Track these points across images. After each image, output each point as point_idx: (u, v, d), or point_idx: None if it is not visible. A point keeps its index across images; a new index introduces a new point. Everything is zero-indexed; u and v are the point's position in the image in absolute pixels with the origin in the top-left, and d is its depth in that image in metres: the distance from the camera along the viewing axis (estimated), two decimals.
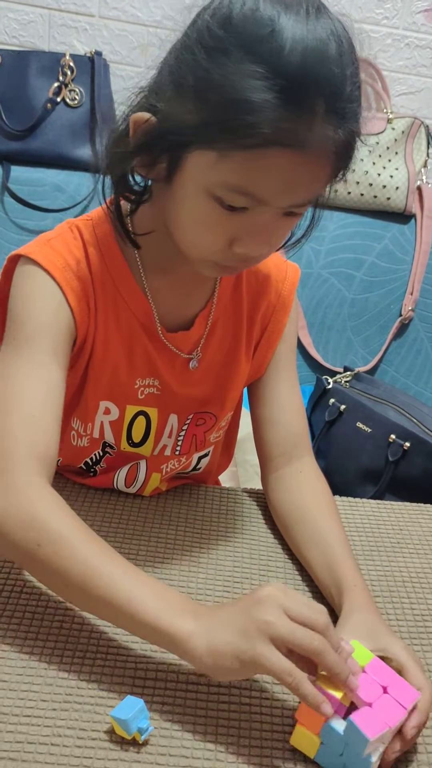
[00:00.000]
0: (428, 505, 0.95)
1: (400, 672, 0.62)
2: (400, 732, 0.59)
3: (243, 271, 0.83)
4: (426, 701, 0.60)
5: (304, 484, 0.85)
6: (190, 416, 0.85)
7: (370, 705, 0.57)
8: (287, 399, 0.88)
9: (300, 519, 0.81)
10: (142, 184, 0.74)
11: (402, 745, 0.59)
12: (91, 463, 0.87)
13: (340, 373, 1.65)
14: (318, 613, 0.58)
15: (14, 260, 0.75)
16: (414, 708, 0.59)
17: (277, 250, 0.78)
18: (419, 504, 0.95)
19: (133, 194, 0.73)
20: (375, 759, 0.57)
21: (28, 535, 0.62)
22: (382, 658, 0.62)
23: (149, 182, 0.73)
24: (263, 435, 0.88)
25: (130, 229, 0.75)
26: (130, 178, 0.72)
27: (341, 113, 0.59)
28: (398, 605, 0.77)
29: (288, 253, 1.73)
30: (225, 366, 0.84)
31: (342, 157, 0.63)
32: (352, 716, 0.56)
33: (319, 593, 0.77)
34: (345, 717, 0.57)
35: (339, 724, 0.57)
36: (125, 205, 0.75)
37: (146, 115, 0.64)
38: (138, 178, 0.72)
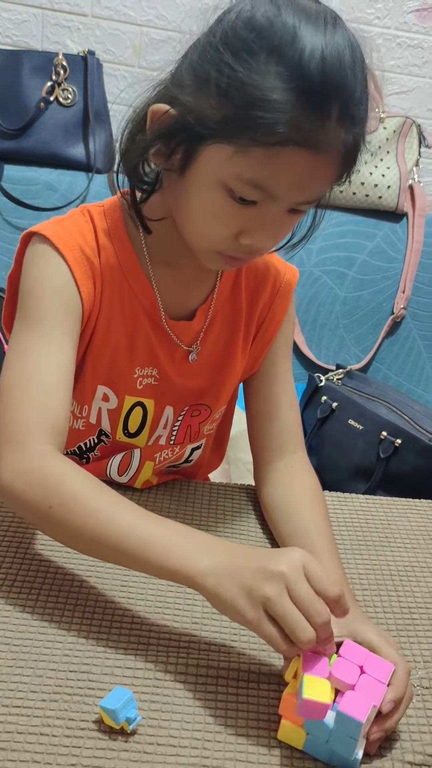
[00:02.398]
0: (416, 500, 0.96)
1: (374, 653, 0.63)
2: (379, 711, 0.60)
3: (243, 270, 0.86)
4: (399, 677, 0.61)
5: (294, 480, 0.86)
6: (186, 408, 0.86)
7: (353, 687, 0.58)
8: (282, 394, 0.89)
9: (287, 513, 0.82)
10: (152, 174, 0.76)
11: (381, 721, 0.60)
12: (85, 449, 0.88)
13: (333, 370, 1.66)
14: (321, 607, 0.58)
15: (26, 240, 0.77)
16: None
17: (278, 249, 0.82)
18: (408, 499, 0.96)
19: (145, 183, 0.76)
20: (360, 739, 0.58)
21: (42, 496, 0.65)
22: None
23: (160, 172, 0.75)
24: (257, 429, 0.89)
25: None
26: (142, 168, 0.74)
27: (352, 118, 0.63)
28: (385, 598, 0.78)
29: (284, 253, 1.74)
30: (221, 360, 0.86)
31: (348, 159, 0.67)
32: (339, 706, 0.57)
33: None
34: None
35: (327, 716, 0.58)
36: (137, 195, 0.78)
37: (165, 106, 0.67)
38: (148, 168, 0.76)
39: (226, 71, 0.62)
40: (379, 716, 0.60)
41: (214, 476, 1.08)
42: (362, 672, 0.60)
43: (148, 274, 0.80)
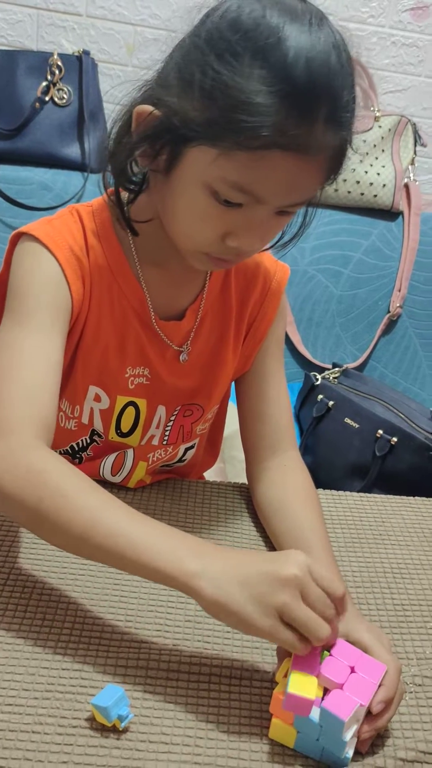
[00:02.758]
0: (410, 497, 0.96)
1: (366, 652, 0.63)
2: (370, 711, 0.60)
3: (232, 269, 0.85)
4: (390, 677, 0.61)
5: (287, 478, 0.86)
6: (178, 407, 0.86)
7: (341, 686, 0.58)
8: (274, 393, 0.89)
9: (281, 512, 0.82)
10: (140, 175, 0.76)
11: (372, 720, 0.60)
12: (77, 448, 0.88)
13: (329, 369, 1.66)
14: (328, 601, 0.59)
15: (14, 241, 0.77)
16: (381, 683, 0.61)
17: (269, 248, 0.82)
18: (402, 497, 0.96)
19: (132, 184, 0.76)
20: (349, 736, 0.58)
21: (30, 492, 0.63)
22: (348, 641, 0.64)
23: (147, 172, 0.75)
24: (250, 428, 0.89)
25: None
26: (130, 168, 0.74)
27: (339, 121, 0.62)
28: (379, 595, 0.78)
29: (275, 252, 1.74)
30: (212, 359, 0.86)
31: (335, 162, 0.66)
32: (324, 703, 0.57)
33: None
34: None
35: (313, 713, 0.58)
36: (124, 195, 0.78)
37: (150, 107, 0.67)
38: (136, 169, 0.75)
39: (210, 73, 0.61)
40: (370, 716, 0.60)
41: (209, 475, 1.08)
42: (353, 672, 0.60)
43: (137, 274, 0.80)
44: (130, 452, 0.87)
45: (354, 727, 0.58)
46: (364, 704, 0.58)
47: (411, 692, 0.66)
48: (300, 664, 0.59)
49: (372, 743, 0.61)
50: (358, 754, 0.60)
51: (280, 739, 0.61)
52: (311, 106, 0.60)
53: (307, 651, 0.58)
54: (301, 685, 0.58)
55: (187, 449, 0.91)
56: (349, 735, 0.58)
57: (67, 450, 0.88)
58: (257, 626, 0.57)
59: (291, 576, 0.57)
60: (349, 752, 0.59)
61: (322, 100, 0.60)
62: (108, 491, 0.67)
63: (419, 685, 0.67)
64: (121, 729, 0.60)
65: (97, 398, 0.83)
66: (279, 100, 0.59)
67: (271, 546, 0.83)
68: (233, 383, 0.93)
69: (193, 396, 0.87)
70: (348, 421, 1.50)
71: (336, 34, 0.62)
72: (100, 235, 0.78)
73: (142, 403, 0.84)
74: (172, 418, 0.86)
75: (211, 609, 0.59)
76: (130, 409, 0.84)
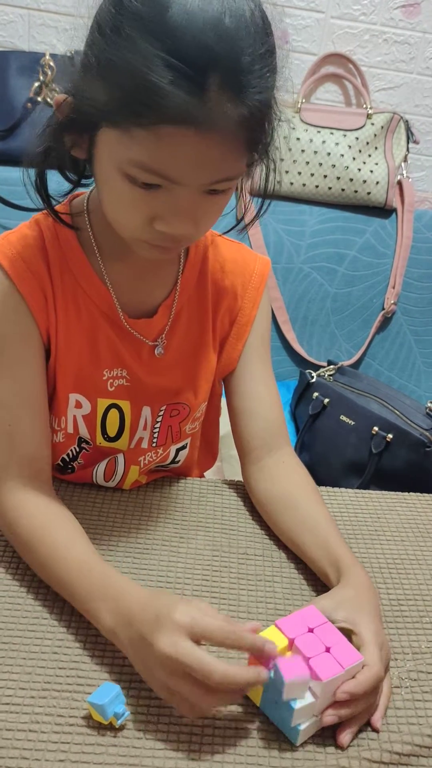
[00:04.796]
0: (405, 493, 0.96)
1: (359, 647, 0.63)
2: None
3: (208, 263, 0.84)
4: (366, 676, 0.61)
5: (288, 473, 0.86)
6: (163, 407, 0.85)
7: (308, 659, 0.60)
8: (263, 390, 0.88)
9: (288, 506, 0.82)
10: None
11: (337, 706, 0.60)
12: (68, 460, 0.87)
13: (324, 367, 1.66)
14: (211, 668, 0.58)
15: None
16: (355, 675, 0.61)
17: (227, 233, 0.81)
18: (397, 492, 0.96)
19: (82, 177, 0.75)
20: (297, 704, 0.59)
21: (6, 533, 0.77)
22: (348, 631, 0.64)
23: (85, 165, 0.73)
24: (241, 427, 0.89)
25: (83, 212, 0.78)
26: (69, 160, 0.73)
27: (240, 87, 0.58)
28: None
29: (269, 247, 1.74)
30: (193, 355, 0.85)
31: (253, 131, 0.62)
32: (278, 659, 0.59)
33: (299, 578, 0.78)
34: None
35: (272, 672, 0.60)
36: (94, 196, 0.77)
37: (63, 96, 0.65)
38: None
39: (101, 52, 0.59)
40: (337, 702, 0.61)
41: (207, 473, 1.07)
42: (327, 651, 0.61)
43: (101, 273, 0.78)
44: (120, 457, 0.86)
45: (307, 700, 0.59)
46: (322, 679, 0.58)
47: (407, 687, 0.66)
48: (288, 668, 0.60)
49: (368, 737, 0.61)
50: (353, 747, 0.60)
51: (252, 696, 0.63)
52: (200, 76, 0.56)
53: (199, 714, 0.61)
54: (272, 637, 0.61)
55: (178, 450, 0.90)
56: (297, 703, 0.59)
57: (58, 464, 0.88)
58: (156, 692, 0.62)
59: (163, 657, 0.58)
60: (301, 725, 0.59)
61: (212, 67, 0.56)
62: (100, 497, 0.75)
63: (414, 679, 0.67)
64: (117, 726, 0.60)
65: (78, 405, 0.82)
66: (167, 73, 0.56)
67: (267, 541, 0.84)
68: (222, 383, 0.92)
69: (177, 394, 0.85)
70: (344, 418, 1.50)
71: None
72: (60, 238, 0.77)
73: (125, 405, 0.83)
74: (159, 419, 0.85)
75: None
76: (114, 412, 0.83)
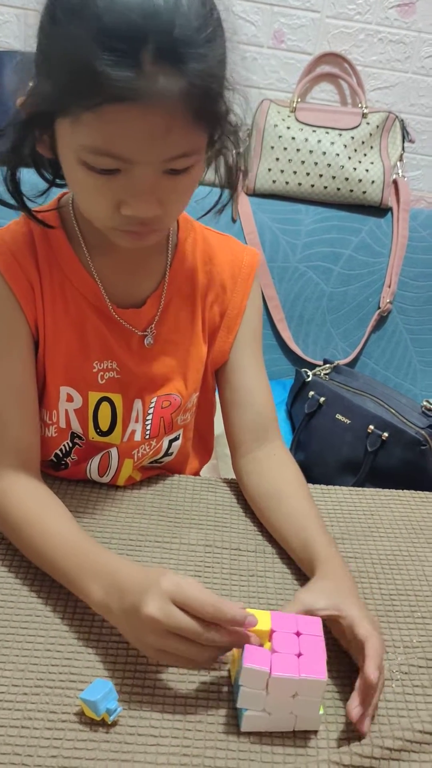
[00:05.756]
0: (399, 490, 0.96)
1: (351, 626, 0.64)
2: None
3: (197, 254, 0.85)
4: (377, 647, 0.62)
5: (277, 467, 0.87)
6: (154, 399, 0.86)
7: (274, 652, 0.61)
8: (254, 383, 0.89)
9: (276, 500, 0.83)
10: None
11: (363, 695, 0.61)
12: (61, 455, 0.87)
13: (321, 366, 1.67)
14: (194, 627, 0.60)
15: None
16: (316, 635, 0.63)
17: (204, 216, 0.81)
18: (391, 490, 0.96)
19: (57, 177, 0.76)
20: (244, 688, 0.60)
21: None
22: (334, 618, 0.66)
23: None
24: (232, 419, 0.90)
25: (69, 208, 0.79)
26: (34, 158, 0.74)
27: (176, 58, 0.59)
28: (367, 585, 0.78)
29: (264, 246, 1.75)
30: (182, 345, 0.86)
31: (198, 102, 0.62)
32: (247, 646, 0.61)
33: (291, 574, 0.79)
34: None
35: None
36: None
37: (23, 97, 0.67)
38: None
39: (42, 47, 0.63)
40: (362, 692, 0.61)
41: (203, 472, 1.07)
42: (296, 655, 0.61)
43: (88, 265, 0.80)
44: (114, 451, 0.87)
45: (255, 688, 0.59)
46: (270, 672, 0.59)
47: (398, 680, 0.67)
48: (251, 656, 0.60)
49: (358, 733, 0.61)
50: (345, 741, 0.60)
51: (232, 672, 0.65)
52: (133, 51, 0.58)
53: (209, 663, 0.63)
54: (259, 617, 0.62)
55: (171, 441, 0.91)
56: (245, 687, 0.59)
57: (51, 460, 0.88)
58: (150, 657, 0.65)
59: (148, 620, 0.60)
60: (246, 710, 0.60)
61: (143, 42, 0.58)
62: (95, 493, 0.81)
63: (405, 673, 0.68)
64: (109, 723, 0.60)
65: (70, 398, 0.83)
66: (101, 54, 0.57)
67: (259, 536, 0.84)
68: (215, 376, 0.92)
69: (167, 384, 0.86)
70: (339, 417, 1.50)
71: None
72: (48, 234, 0.79)
73: (117, 398, 0.84)
74: (150, 410, 0.86)
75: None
76: (105, 406, 0.84)
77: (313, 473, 1.54)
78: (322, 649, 0.61)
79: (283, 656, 0.60)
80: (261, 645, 0.62)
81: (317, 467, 1.53)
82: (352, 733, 0.62)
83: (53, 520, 0.75)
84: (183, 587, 0.61)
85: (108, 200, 0.67)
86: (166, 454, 0.91)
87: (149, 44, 0.58)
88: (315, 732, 0.61)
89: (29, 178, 0.75)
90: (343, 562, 0.74)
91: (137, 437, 0.87)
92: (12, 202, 0.75)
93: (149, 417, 0.86)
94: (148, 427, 0.87)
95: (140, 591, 0.62)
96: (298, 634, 0.62)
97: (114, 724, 0.60)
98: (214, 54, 0.62)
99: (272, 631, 0.62)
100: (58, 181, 0.76)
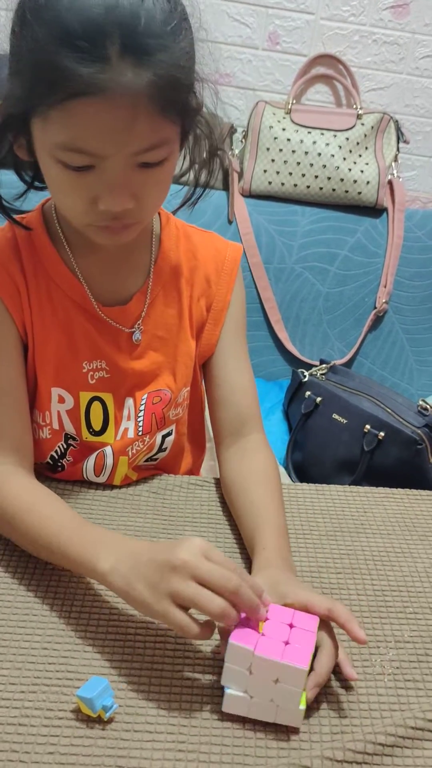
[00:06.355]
0: (393, 489, 0.97)
1: (305, 607, 0.66)
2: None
3: (181, 251, 0.86)
4: (343, 611, 0.65)
5: (246, 460, 0.88)
6: (145, 396, 0.87)
7: (261, 635, 0.62)
8: (236, 379, 0.91)
9: (239, 490, 0.85)
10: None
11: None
12: (57, 457, 0.88)
13: (317, 366, 1.68)
14: (229, 573, 0.61)
15: None
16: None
17: (178, 208, 0.82)
18: (384, 488, 0.97)
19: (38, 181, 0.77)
20: (228, 664, 0.61)
21: None
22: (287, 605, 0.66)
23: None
24: (215, 414, 0.92)
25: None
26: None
27: (141, 50, 0.61)
28: (359, 582, 0.79)
29: (261, 247, 1.75)
30: (170, 340, 0.87)
31: (165, 93, 0.63)
32: (240, 623, 0.62)
33: None
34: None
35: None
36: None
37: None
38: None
39: (13, 50, 0.65)
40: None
41: (202, 473, 1.08)
42: (284, 643, 0.62)
43: (72, 266, 0.81)
44: (108, 450, 0.88)
45: (239, 666, 0.61)
46: (254, 651, 0.60)
47: (389, 674, 0.68)
48: (238, 634, 0.62)
49: (350, 724, 0.62)
50: (338, 735, 0.61)
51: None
52: (97, 46, 0.59)
53: (205, 636, 0.62)
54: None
55: (164, 436, 0.92)
56: (234, 667, 0.61)
57: (48, 462, 0.89)
58: (152, 610, 0.63)
59: (179, 562, 0.61)
60: (228, 689, 0.61)
61: (107, 35, 0.59)
62: (90, 494, 0.82)
63: (397, 668, 0.68)
64: (106, 719, 0.61)
65: (61, 399, 0.84)
66: (65, 51, 0.59)
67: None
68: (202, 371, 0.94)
69: (156, 379, 0.87)
70: (336, 416, 1.51)
71: None
72: (32, 238, 0.80)
73: (108, 398, 0.85)
74: (141, 407, 0.87)
75: (125, 599, 0.65)
76: (96, 405, 0.85)
77: (310, 473, 1.55)
78: (310, 644, 0.62)
79: (270, 640, 0.61)
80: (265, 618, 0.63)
81: (314, 467, 1.54)
82: (345, 728, 0.62)
83: (50, 507, 0.75)
84: (213, 548, 0.63)
85: (83, 197, 0.68)
86: (160, 449, 0.92)
87: (114, 38, 0.60)
88: (308, 727, 0.62)
89: (7, 180, 0.76)
90: (280, 551, 0.75)
91: (130, 434, 0.88)
92: None
93: (141, 413, 0.87)
94: (141, 424, 0.88)
95: (170, 548, 0.63)
96: (291, 626, 0.63)
97: (110, 720, 0.61)
98: (179, 46, 0.64)
99: (266, 619, 0.63)
100: (37, 183, 0.78)
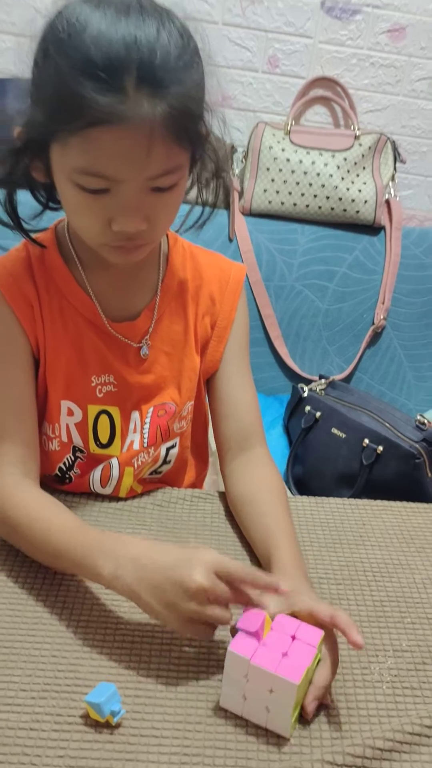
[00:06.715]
0: (391, 501, 0.99)
1: (311, 613, 0.68)
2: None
3: (188, 269, 0.90)
4: (345, 618, 0.66)
5: (251, 473, 0.91)
6: (151, 409, 0.90)
7: (261, 644, 0.64)
8: (238, 394, 0.94)
9: (247, 504, 0.87)
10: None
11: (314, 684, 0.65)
12: (65, 469, 0.91)
13: (317, 381, 1.70)
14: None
15: None
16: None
17: (186, 229, 0.86)
18: (383, 501, 0.99)
19: (54, 201, 0.81)
20: (228, 666, 0.63)
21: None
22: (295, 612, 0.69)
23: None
24: (218, 429, 0.95)
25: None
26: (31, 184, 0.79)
27: (157, 82, 0.65)
28: (358, 592, 0.81)
29: (261, 265, 1.78)
30: (176, 355, 0.90)
31: (178, 122, 0.67)
32: (239, 633, 0.64)
33: None
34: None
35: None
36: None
37: (19, 127, 0.72)
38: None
39: (35, 78, 0.69)
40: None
41: (205, 487, 1.10)
42: (282, 654, 0.64)
43: (84, 283, 0.84)
44: (114, 461, 0.90)
45: (237, 671, 0.63)
46: (249, 660, 0.62)
47: (388, 682, 0.70)
48: (245, 621, 0.65)
49: (350, 729, 0.64)
50: (338, 741, 0.63)
51: None
52: (115, 78, 0.63)
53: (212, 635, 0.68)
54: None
55: (168, 449, 0.94)
56: (232, 673, 0.63)
57: (56, 474, 0.92)
58: (172, 627, 0.68)
59: (195, 587, 0.64)
60: (230, 692, 0.64)
61: (126, 69, 0.63)
62: (96, 506, 0.84)
63: (395, 676, 0.70)
64: (114, 724, 0.63)
65: (70, 412, 0.87)
66: (86, 82, 0.63)
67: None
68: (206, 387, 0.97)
69: (162, 393, 0.90)
70: (335, 431, 1.53)
71: (149, 17, 0.65)
72: (45, 256, 0.84)
73: (115, 411, 0.88)
74: (147, 420, 0.90)
75: (134, 601, 0.69)
76: (104, 419, 0.88)
77: (310, 486, 1.57)
78: (308, 658, 0.64)
79: (268, 651, 0.63)
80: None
81: (314, 481, 1.56)
82: (344, 734, 0.64)
83: (56, 515, 0.77)
84: (222, 559, 0.66)
85: (98, 218, 0.72)
86: (165, 462, 0.95)
87: (132, 71, 0.64)
88: (309, 732, 0.64)
89: (23, 200, 0.80)
90: (295, 566, 0.77)
91: (136, 446, 0.90)
92: (9, 222, 0.80)
93: (146, 426, 0.90)
94: (146, 436, 0.90)
95: (181, 564, 0.66)
96: (293, 638, 0.65)
97: (118, 725, 0.63)
98: (192, 78, 0.68)
99: (270, 629, 0.65)
100: (51, 204, 0.81)
